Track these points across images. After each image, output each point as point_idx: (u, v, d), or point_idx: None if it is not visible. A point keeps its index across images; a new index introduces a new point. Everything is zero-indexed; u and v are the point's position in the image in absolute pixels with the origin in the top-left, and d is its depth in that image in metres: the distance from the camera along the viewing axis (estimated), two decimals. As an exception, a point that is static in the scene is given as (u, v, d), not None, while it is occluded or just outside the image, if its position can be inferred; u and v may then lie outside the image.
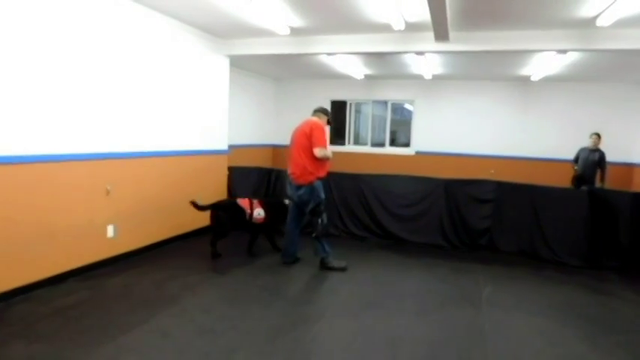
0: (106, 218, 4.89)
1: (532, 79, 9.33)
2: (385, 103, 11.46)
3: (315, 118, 5.20)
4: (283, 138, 11.98)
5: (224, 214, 5.34)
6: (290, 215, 5.31)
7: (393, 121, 11.81)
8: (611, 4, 4.38)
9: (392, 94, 11.20)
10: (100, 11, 4.65)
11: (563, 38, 5.54)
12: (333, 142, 11.75)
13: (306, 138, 4.90)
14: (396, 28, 5.52)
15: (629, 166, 9.58)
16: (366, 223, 6.53)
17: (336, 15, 5.37)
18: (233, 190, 7.11)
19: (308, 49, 6.54)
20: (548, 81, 9.64)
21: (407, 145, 11.34)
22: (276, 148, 12.08)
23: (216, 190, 6.83)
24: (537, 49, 5.92)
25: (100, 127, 4.73)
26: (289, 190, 5.23)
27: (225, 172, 7.12)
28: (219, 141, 6.97)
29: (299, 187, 5.00)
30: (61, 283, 4.31)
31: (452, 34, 5.67)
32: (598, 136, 7.70)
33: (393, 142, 11.67)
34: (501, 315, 4.05)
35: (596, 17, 4.85)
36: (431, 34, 5.60)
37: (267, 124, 11.77)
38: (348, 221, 6.63)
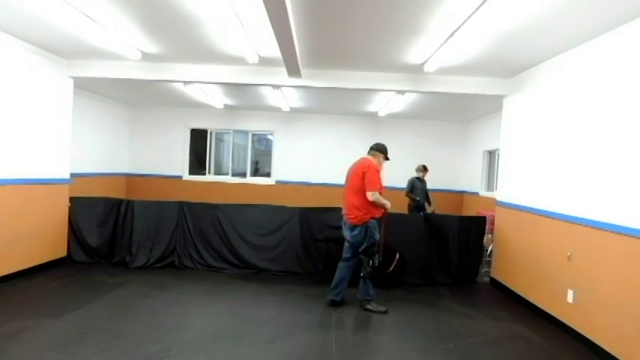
0: None
1: (379, 114, 10.27)
2: (246, 133, 11.57)
3: (369, 157, 5.10)
4: (139, 166, 11.39)
5: None
6: (344, 255, 5.14)
7: (257, 151, 11.95)
8: (433, 54, 5.12)
9: (253, 124, 11.37)
10: None
11: (399, 80, 6.29)
12: (192, 172, 11.45)
13: (358, 180, 4.84)
14: (250, 61, 5.69)
15: (459, 194, 11.02)
16: (224, 254, 6.39)
17: (190, 44, 5.33)
18: (75, 222, 6.44)
19: (161, 76, 6.35)
20: (393, 117, 10.74)
21: (269, 174, 11.54)
22: (130, 177, 11.32)
23: (55, 223, 6.12)
24: (379, 89, 6.57)
25: None
26: (344, 231, 5.09)
27: (67, 203, 6.42)
28: (60, 169, 6.28)
29: (353, 227, 4.91)
30: None
31: (304, 70, 6.05)
32: (425, 167, 8.60)
33: (256, 172, 11.79)
34: (349, 336, 4.27)
35: (423, 64, 5.60)
36: (285, 69, 5.88)
37: (121, 152, 10.99)
38: (204, 253, 6.42)
